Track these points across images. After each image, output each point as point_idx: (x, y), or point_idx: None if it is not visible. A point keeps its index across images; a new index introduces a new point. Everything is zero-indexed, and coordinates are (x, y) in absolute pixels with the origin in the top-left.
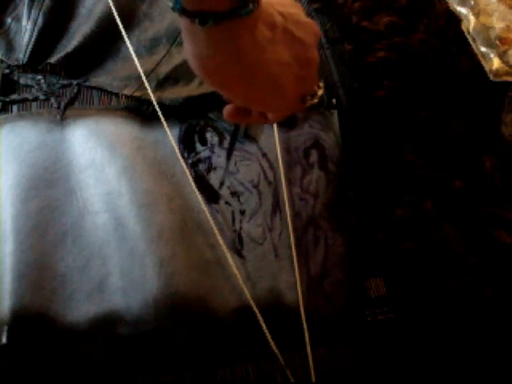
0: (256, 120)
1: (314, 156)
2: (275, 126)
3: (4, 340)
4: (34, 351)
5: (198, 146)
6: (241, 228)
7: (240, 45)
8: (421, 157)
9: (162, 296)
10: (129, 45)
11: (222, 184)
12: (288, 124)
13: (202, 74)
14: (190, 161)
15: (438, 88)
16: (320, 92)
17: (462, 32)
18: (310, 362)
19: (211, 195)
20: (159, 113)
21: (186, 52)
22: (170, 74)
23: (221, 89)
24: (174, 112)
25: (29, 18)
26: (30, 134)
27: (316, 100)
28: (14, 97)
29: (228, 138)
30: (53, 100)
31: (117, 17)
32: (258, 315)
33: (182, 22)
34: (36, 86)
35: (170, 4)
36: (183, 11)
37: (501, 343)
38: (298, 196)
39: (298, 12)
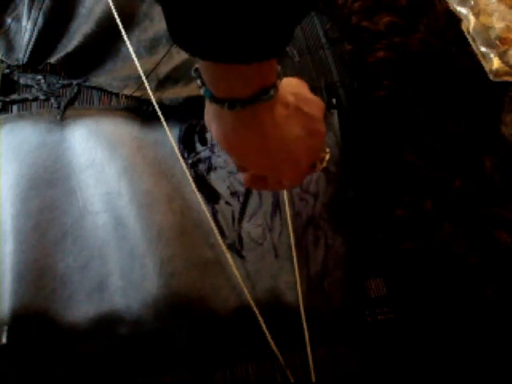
0: (272, 187)
1: None
2: None
3: (4, 340)
4: (34, 351)
5: (198, 146)
6: (241, 228)
7: (262, 124)
8: (421, 157)
9: (161, 296)
10: (129, 45)
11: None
12: None
13: (227, 149)
14: (189, 161)
15: (438, 88)
16: (327, 157)
17: (462, 32)
18: (310, 362)
19: (211, 195)
20: (159, 113)
21: (212, 131)
22: (170, 74)
23: (243, 160)
24: (174, 112)
25: (29, 17)
26: (30, 134)
27: (325, 164)
28: (14, 97)
29: None
30: (53, 100)
31: (117, 17)
32: (258, 315)
33: (209, 108)
34: (36, 86)
35: (201, 92)
36: (213, 98)
37: (501, 343)
38: (297, 196)
39: (305, 90)
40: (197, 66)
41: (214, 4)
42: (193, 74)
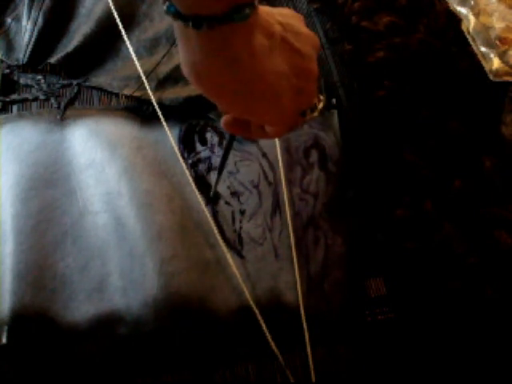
0: (255, 134)
1: (314, 156)
2: None
3: (4, 340)
4: (34, 351)
5: (198, 146)
6: (241, 228)
7: (235, 52)
8: (421, 157)
9: (161, 296)
10: (129, 45)
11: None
12: None
13: (194, 82)
14: (190, 161)
15: (437, 88)
16: (320, 105)
17: (462, 32)
18: (310, 362)
19: (211, 195)
20: (159, 113)
21: (181, 61)
22: (170, 74)
23: (214, 98)
24: (173, 112)
25: (29, 17)
26: (30, 134)
27: (316, 114)
28: (14, 97)
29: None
30: (53, 100)
31: (117, 17)
32: (258, 315)
33: (176, 26)
34: (36, 86)
35: (164, 7)
36: (177, 15)
37: (501, 343)
38: (297, 196)
39: (298, 23)
40: None
41: None
42: None
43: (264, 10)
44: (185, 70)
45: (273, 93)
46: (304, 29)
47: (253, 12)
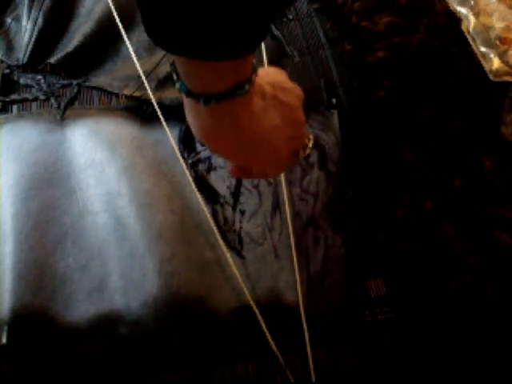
0: (257, 176)
1: (313, 156)
2: None
3: (4, 340)
4: (34, 351)
5: (198, 146)
6: (241, 228)
7: (238, 118)
8: (421, 157)
9: (161, 296)
10: (128, 45)
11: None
12: None
13: (207, 144)
14: (189, 161)
15: (437, 88)
16: (310, 144)
17: (462, 32)
18: (310, 362)
19: (211, 195)
20: (159, 113)
21: (190, 125)
22: (170, 74)
23: (223, 155)
24: (173, 112)
25: (29, 17)
26: (30, 134)
27: (308, 151)
28: (14, 97)
29: None
30: (53, 100)
31: (117, 17)
32: (258, 315)
33: (186, 102)
34: (36, 86)
35: (177, 86)
36: (189, 93)
37: (501, 343)
38: (297, 196)
39: (283, 79)
40: (173, 59)
41: (187, 1)
42: (169, 67)
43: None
44: (196, 134)
45: (270, 144)
46: (289, 83)
47: (251, 86)
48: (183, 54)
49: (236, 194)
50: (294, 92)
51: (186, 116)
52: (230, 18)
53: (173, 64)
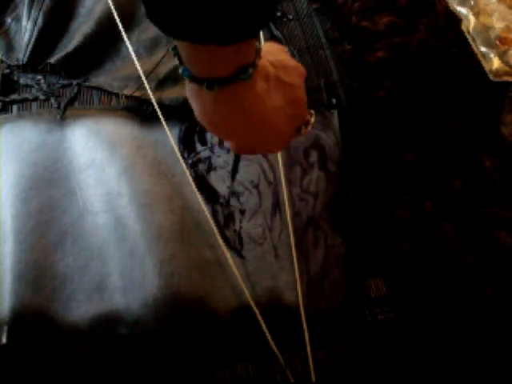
0: (259, 152)
1: (313, 156)
2: None
3: (4, 340)
4: (34, 351)
5: (198, 146)
6: (241, 228)
7: (242, 101)
8: (421, 157)
9: (161, 296)
10: (128, 45)
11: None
12: None
13: (210, 129)
14: (189, 161)
15: (437, 88)
16: (312, 119)
17: (462, 32)
18: (310, 362)
19: (211, 195)
20: (159, 113)
21: (194, 110)
22: (170, 74)
23: (228, 138)
24: (173, 112)
25: (29, 17)
26: (30, 134)
27: (310, 127)
28: (14, 97)
29: None
30: (53, 100)
31: (117, 17)
32: (258, 315)
33: (190, 86)
34: (36, 86)
35: (180, 70)
36: (191, 78)
37: (501, 343)
38: (297, 196)
39: (285, 57)
40: (175, 43)
41: None
42: (171, 50)
43: None
44: (200, 119)
45: (273, 125)
46: (291, 61)
47: (255, 69)
48: (185, 38)
49: (234, 171)
50: (296, 70)
51: (189, 101)
52: (233, 1)
53: (175, 48)
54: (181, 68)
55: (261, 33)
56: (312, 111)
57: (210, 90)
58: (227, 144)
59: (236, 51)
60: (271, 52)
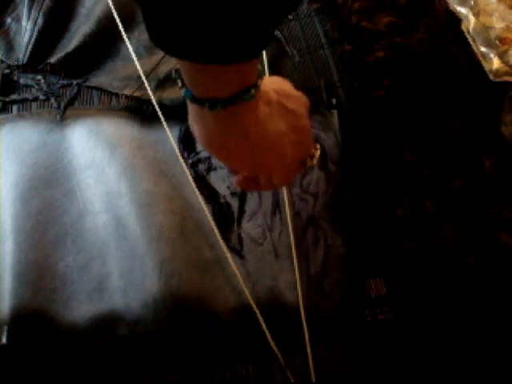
0: (265, 187)
1: None
2: None
3: (4, 340)
4: (34, 351)
5: (198, 146)
6: (241, 228)
7: (244, 124)
8: (421, 157)
9: (161, 296)
10: (129, 45)
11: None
12: None
13: (211, 151)
14: (190, 161)
15: (437, 88)
16: (317, 153)
17: (462, 32)
18: (310, 362)
19: (211, 195)
20: (159, 113)
21: (195, 132)
22: (170, 74)
23: (229, 162)
24: (173, 112)
25: (29, 17)
26: (30, 134)
27: (315, 161)
28: (14, 97)
29: None
30: (53, 100)
31: (117, 17)
32: (258, 315)
33: (191, 108)
34: (36, 86)
35: (182, 92)
36: (194, 99)
37: (500, 343)
38: (297, 196)
39: (288, 87)
40: (177, 66)
41: (191, 4)
42: (173, 75)
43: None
44: (201, 142)
45: (276, 150)
46: (294, 91)
47: (257, 91)
48: (186, 57)
49: (241, 206)
50: (299, 99)
51: (190, 124)
52: (235, 22)
53: (177, 71)
54: (183, 90)
55: (264, 56)
56: (317, 145)
57: (212, 110)
58: (232, 179)
59: (238, 71)
60: (274, 82)
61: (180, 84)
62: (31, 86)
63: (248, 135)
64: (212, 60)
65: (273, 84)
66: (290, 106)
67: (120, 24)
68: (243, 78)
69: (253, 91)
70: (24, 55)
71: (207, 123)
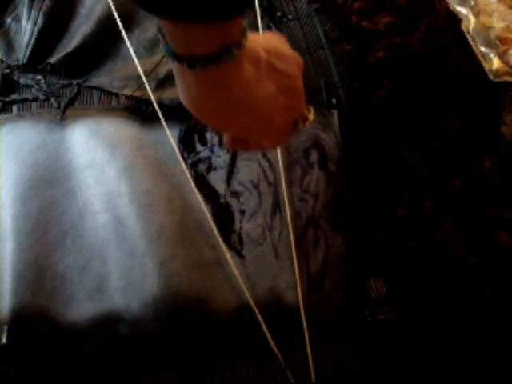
0: (255, 147)
1: (313, 156)
2: None
3: (4, 340)
4: (34, 351)
5: (198, 146)
6: (241, 228)
7: (226, 85)
8: (421, 157)
9: (161, 296)
10: (129, 45)
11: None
12: None
13: (194, 112)
14: (189, 161)
15: (437, 88)
16: (311, 116)
17: (462, 32)
18: (310, 362)
19: (211, 195)
20: (159, 113)
21: (178, 90)
22: (170, 74)
23: (213, 125)
24: (173, 112)
25: (29, 17)
26: (30, 134)
27: (308, 124)
28: (14, 97)
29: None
30: (53, 100)
31: (117, 17)
32: (258, 315)
33: (174, 66)
34: (36, 86)
35: (163, 49)
36: (174, 56)
37: (500, 343)
38: (297, 196)
39: (282, 46)
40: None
41: None
42: (157, 32)
43: (249, 38)
44: (184, 102)
45: (264, 114)
46: (287, 50)
47: (240, 50)
48: (164, 15)
49: (231, 167)
50: (292, 59)
51: (177, 85)
52: None
53: (159, 28)
54: (164, 46)
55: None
56: (311, 107)
57: (192, 68)
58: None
59: (217, 29)
60: (267, 39)
61: (161, 40)
62: (31, 86)
63: (231, 97)
64: (189, 17)
65: (265, 42)
66: (281, 66)
67: (120, 24)
68: (224, 36)
69: (235, 50)
70: (24, 55)
71: (188, 82)
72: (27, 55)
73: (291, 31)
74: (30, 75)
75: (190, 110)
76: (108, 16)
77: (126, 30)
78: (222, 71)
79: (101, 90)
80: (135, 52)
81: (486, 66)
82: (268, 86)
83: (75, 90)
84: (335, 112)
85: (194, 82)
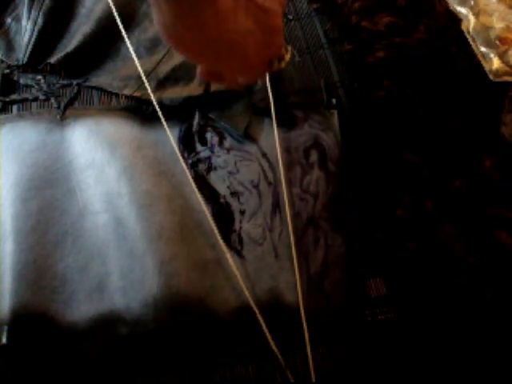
0: (228, 82)
1: (313, 156)
2: (275, 126)
3: (4, 340)
4: (34, 351)
5: (198, 146)
6: (241, 228)
7: (200, 15)
8: (421, 157)
9: (161, 296)
10: (129, 45)
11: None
12: (288, 124)
13: (169, 43)
14: (190, 161)
15: (438, 88)
16: (287, 56)
17: (462, 32)
18: (310, 362)
19: (211, 195)
20: (159, 113)
21: (154, 20)
22: (170, 74)
23: (187, 57)
24: (173, 112)
25: (29, 17)
26: (30, 134)
27: (283, 64)
28: (14, 97)
29: (228, 138)
30: (53, 100)
31: (117, 17)
32: (258, 315)
33: None
34: (36, 86)
35: None
36: None
37: (501, 343)
38: (297, 196)
39: None
40: None
41: None
42: None
43: None
44: (160, 32)
45: (238, 49)
46: None
47: None
48: None
49: (206, 96)
50: None
51: (153, 13)
52: None
53: None
54: None
55: None
56: (289, 46)
57: None
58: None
59: None
60: None
61: None
62: (31, 86)
63: (205, 30)
64: None
65: None
66: (261, 1)
67: (120, 24)
68: None
69: None
70: (24, 55)
71: (163, 11)
72: (27, 55)
73: (291, 31)
74: (30, 75)
75: (164, 38)
76: (108, 16)
77: (126, 30)
78: (197, 3)
79: (101, 89)
80: (135, 52)
81: (486, 66)
82: (244, 20)
83: (75, 90)
84: (335, 112)
85: (168, 10)
